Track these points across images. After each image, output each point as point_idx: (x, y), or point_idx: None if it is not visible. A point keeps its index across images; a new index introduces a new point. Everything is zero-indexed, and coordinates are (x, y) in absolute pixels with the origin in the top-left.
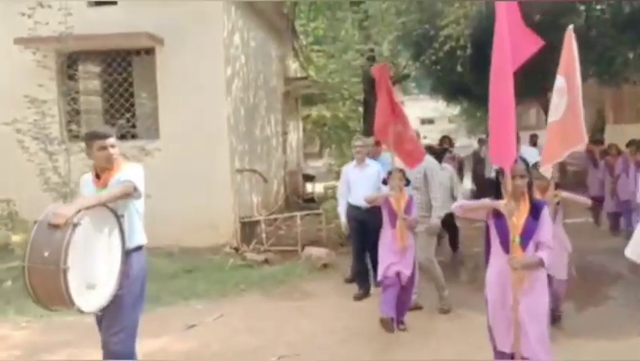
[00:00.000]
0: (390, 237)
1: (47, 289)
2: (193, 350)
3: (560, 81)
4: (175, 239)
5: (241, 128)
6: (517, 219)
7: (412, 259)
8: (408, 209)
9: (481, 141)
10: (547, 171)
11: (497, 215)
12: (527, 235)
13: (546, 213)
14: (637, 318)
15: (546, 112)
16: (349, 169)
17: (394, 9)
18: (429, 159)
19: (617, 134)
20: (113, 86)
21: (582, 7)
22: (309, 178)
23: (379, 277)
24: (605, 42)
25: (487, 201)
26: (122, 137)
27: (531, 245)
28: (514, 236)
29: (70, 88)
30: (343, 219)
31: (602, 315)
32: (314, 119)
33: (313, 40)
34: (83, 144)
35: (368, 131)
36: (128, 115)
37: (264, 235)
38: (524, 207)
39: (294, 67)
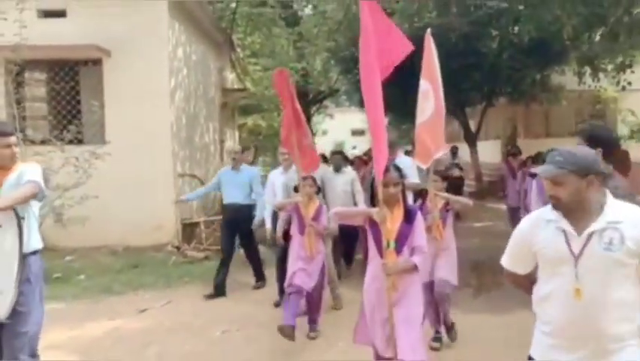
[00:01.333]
0: (298, 244)
1: None
2: (147, 327)
3: (424, 85)
4: (120, 238)
5: (182, 135)
6: (392, 224)
7: (321, 266)
8: (317, 216)
9: (407, 153)
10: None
11: (373, 221)
12: (402, 240)
13: (420, 218)
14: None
15: (464, 127)
16: (275, 175)
17: (327, 31)
18: (323, 167)
19: (528, 148)
20: (60, 94)
21: (495, 32)
22: None
23: (285, 284)
24: (515, 65)
25: (361, 209)
26: (70, 142)
27: (405, 250)
28: (388, 241)
29: (20, 95)
30: (268, 225)
31: (494, 297)
32: (250, 128)
33: (250, 54)
34: (36, 148)
35: None
36: (75, 122)
37: (203, 235)
38: (398, 213)
39: (230, 78)
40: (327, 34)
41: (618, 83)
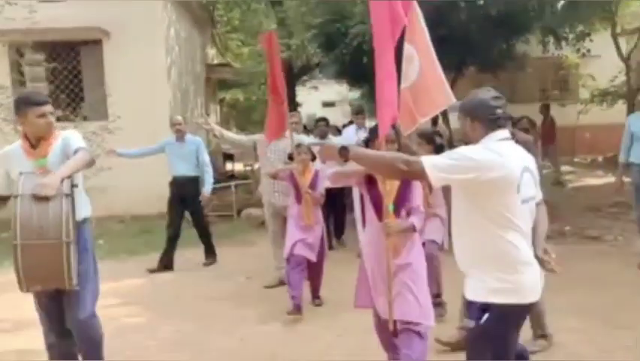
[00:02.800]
0: (296, 213)
1: (43, 266)
2: (178, 278)
3: (408, 49)
4: (126, 208)
5: (178, 110)
6: (390, 185)
7: (320, 235)
8: (313, 184)
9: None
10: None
11: (370, 182)
12: (400, 201)
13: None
14: None
15: None
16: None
17: (308, 9)
18: (303, 137)
19: None
20: (62, 73)
21: (463, 4)
22: (228, 157)
23: (285, 255)
24: (483, 36)
25: (358, 168)
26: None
27: (403, 212)
28: (388, 203)
29: (24, 76)
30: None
31: None
32: (228, 102)
33: (230, 29)
34: None
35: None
36: (77, 99)
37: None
38: None
39: (211, 54)
40: (313, 13)
41: (579, 50)
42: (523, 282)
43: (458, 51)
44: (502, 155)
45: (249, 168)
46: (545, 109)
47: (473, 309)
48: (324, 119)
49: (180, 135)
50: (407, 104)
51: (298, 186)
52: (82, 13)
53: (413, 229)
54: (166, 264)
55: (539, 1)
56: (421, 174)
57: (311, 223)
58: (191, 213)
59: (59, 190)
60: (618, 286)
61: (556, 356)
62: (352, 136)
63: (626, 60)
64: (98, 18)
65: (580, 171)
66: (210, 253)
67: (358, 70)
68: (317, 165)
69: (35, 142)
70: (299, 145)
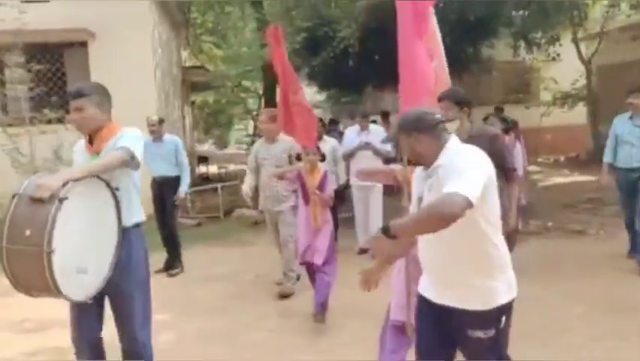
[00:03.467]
0: (305, 215)
1: (29, 274)
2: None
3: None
4: None
5: (163, 112)
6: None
7: (328, 238)
8: (322, 185)
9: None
10: None
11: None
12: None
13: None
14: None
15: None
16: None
17: (294, 14)
18: (287, 138)
19: None
20: (47, 75)
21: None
22: (203, 159)
23: (298, 261)
24: (452, 39)
25: (384, 167)
26: (59, 121)
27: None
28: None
29: (21, 78)
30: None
31: None
32: (199, 105)
33: (203, 31)
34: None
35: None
36: (61, 102)
37: (189, 205)
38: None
39: (184, 56)
40: (294, 15)
41: (549, 55)
42: (512, 277)
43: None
44: (483, 154)
45: (223, 170)
46: (499, 111)
47: (483, 319)
48: (319, 119)
49: (157, 135)
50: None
51: (306, 187)
52: (66, 14)
53: None
54: (171, 264)
55: (512, 6)
56: (468, 205)
57: (319, 225)
58: (162, 211)
59: (56, 193)
60: (612, 273)
61: (565, 340)
62: (354, 138)
63: (587, 64)
64: (83, 19)
65: (546, 170)
66: (176, 260)
67: (338, 73)
68: (325, 165)
69: (91, 137)
70: (306, 145)
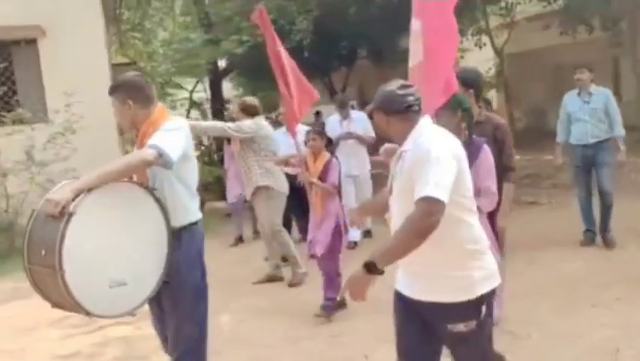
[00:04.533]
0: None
1: (54, 294)
2: None
3: (415, 24)
4: None
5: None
6: None
7: (330, 228)
8: (325, 173)
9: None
10: None
11: None
12: None
13: (485, 153)
14: None
15: (331, 91)
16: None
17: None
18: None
19: None
20: None
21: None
22: None
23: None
24: (374, 30)
25: None
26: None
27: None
28: None
29: None
30: None
31: None
32: None
33: (134, 28)
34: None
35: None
36: (13, 100)
37: None
38: None
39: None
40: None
41: (476, 44)
42: (492, 263)
43: (351, 44)
44: (449, 135)
45: None
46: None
47: (462, 310)
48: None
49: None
50: (417, 82)
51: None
52: (15, 10)
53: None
54: None
55: None
56: (442, 207)
57: (321, 216)
58: None
59: (66, 208)
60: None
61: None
62: (336, 127)
63: (500, 53)
64: (32, 15)
65: None
66: None
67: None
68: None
69: (137, 133)
70: (309, 131)
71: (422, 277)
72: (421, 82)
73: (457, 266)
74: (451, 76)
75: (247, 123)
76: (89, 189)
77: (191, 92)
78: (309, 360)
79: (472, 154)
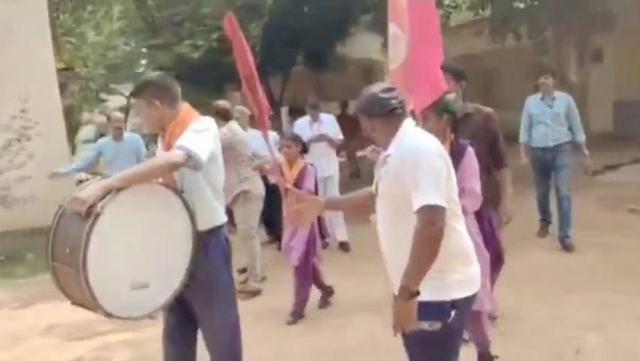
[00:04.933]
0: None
1: (77, 292)
2: None
3: (392, 28)
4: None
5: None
6: None
7: (305, 236)
8: (301, 179)
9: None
10: None
11: None
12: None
13: (469, 155)
14: None
15: (268, 97)
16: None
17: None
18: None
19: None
20: None
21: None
22: None
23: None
24: (310, 38)
25: None
26: None
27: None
28: None
29: None
30: None
31: None
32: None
33: (68, 32)
34: None
35: None
36: None
37: None
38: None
39: None
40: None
41: None
42: (475, 272)
43: (289, 51)
44: (433, 138)
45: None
46: (344, 105)
47: (430, 309)
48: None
49: (119, 133)
50: (401, 84)
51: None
52: None
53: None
54: None
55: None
56: (444, 213)
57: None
58: None
59: (94, 208)
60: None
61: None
62: (307, 130)
63: None
64: None
65: None
66: None
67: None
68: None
69: (164, 133)
70: (284, 135)
71: (400, 274)
72: (404, 84)
73: (437, 267)
74: (439, 74)
75: (222, 131)
76: (117, 190)
77: (129, 97)
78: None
79: (457, 156)
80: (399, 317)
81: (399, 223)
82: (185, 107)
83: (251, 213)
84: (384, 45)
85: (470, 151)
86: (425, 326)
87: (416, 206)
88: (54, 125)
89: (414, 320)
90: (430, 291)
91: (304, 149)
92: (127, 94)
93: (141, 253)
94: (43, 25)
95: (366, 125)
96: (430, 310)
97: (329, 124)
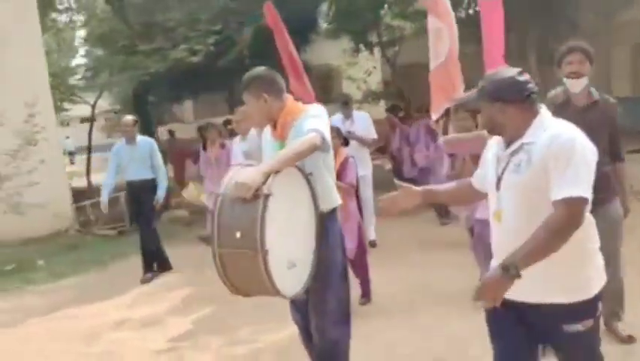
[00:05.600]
0: None
1: (245, 277)
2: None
3: (434, 23)
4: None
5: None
6: None
7: (356, 228)
8: (342, 172)
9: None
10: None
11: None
12: None
13: None
14: None
15: (229, 102)
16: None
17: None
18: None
19: None
20: None
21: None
22: None
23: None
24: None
25: (475, 133)
26: None
27: None
28: None
29: None
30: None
31: None
32: None
33: None
34: None
35: None
36: None
37: (92, 217)
38: None
39: None
40: None
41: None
42: (602, 260)
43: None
44: (577, 129)
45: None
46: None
47: (581, 309)
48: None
49: (131, 137)
50: (438, 87)
51: None
52: None
53: None
54: (150, 268)
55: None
56: (587, 207)
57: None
58: (139, 215)
59: (260, 191)
60: None
61: None
62: (340, 126)
63: (392, 65)
64: None
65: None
66: (149, 266)
67: None
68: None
69: (275, 123)
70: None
71: (533, 280)
72: (440, 84)
73: (573, 266)
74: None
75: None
76: (275, 172)
77: (93, 105)
78: None
79: None
80: (494, 291)
81: (536, 215)
82: (289, 96)
83: None
84: (345, 51)
85: None
86: (578, 327)
87: (562, 195)
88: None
89: (501, 298)
90: (574, 293)
91: (345, 142)
92: (92, 102)
93: (291, 232)
94: (34, 29)
95: (492, 112)
96: (579, 311)
97: (361, 122)
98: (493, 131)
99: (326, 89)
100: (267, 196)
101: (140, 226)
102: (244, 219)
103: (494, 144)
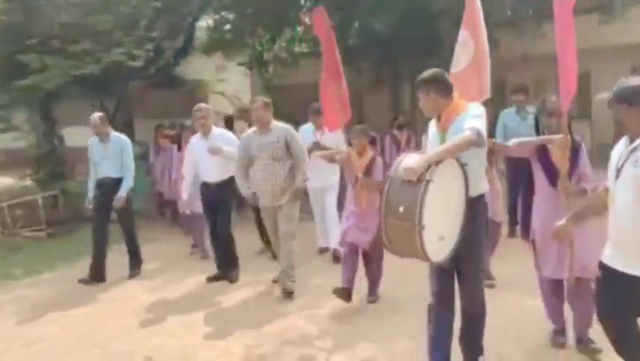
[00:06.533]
0: (350, 199)
1: (402, 242)
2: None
3: (464, 35)
4: None
5: None
6: (564, 153)
7: (376, 224)
8: (370, 170)
9: None
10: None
11: (541, 152)
12: (571, 168)
13: (584, 150)
14: None
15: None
16: (196, 141)
17: None
18: (280, 125)
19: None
20: None
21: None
22: None
23: (338, 242)
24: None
25: (538, 138)
26: None
27: (574, 178)
28: (563, 168)
29: None
30: (185, 196)
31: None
32: None
33: None
34: None
35: None
36: None
37: (8, 220)
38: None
39: None
40: None
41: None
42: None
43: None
44: None
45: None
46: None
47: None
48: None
49: (102, 135)
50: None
51: (353, 169)
52: None
53: (585, 192)
54: (96, 274)
55: None
56: None
57: (364, 211)
58: (118, 216)
59: (422, 176)
60: None
61: None
62: (310, 136)
63: (267, 83)
64: None
65: None
66: (136, 262)
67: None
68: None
69: (439, 116)
70: (356, 128)
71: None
72: (464, 86)
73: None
74: (574, 75)
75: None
76: (437, 162)
77: None
78: None
79: (577, 150)
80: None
81: None
82: (456, 95)
83: (297, 212)
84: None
85: (583, 146)
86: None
87: None
88: None
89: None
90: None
91: (373, 141)
92: None
93: (444, 211)
94: None
95: (626, 115)
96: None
97: (332, 133)
98: (620, 128)
99: (194, 102)
100: (428, 182)
101: (120, 224)
102: (408, 198)
103: (621, 144)
